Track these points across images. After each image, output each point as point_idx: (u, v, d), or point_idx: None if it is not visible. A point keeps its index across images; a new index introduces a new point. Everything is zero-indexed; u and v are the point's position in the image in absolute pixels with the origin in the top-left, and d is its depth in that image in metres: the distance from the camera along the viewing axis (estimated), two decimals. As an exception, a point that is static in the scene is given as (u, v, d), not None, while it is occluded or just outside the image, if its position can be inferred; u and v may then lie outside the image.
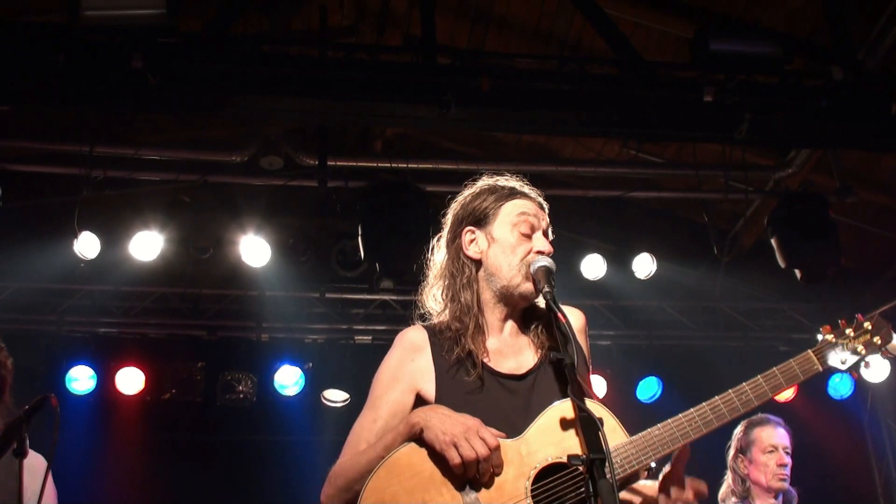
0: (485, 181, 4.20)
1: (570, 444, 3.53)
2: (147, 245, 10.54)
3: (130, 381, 12.11)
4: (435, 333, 3.97)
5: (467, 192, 4.20)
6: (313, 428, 12.07)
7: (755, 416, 7.05)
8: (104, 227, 10.34)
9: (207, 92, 7.59)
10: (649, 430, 3.66)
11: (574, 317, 3.98)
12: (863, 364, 3.99)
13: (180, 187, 10.66)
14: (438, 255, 4.20)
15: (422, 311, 4.17)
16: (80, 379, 11.95)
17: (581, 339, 4.00)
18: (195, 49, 7.48)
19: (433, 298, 4.15)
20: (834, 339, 3.97)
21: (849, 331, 3.99)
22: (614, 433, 3.59)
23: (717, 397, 3.76)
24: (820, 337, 4.03)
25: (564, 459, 3.47)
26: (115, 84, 7.33)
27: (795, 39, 8.75)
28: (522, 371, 3.87)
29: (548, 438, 3.59)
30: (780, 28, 9.07)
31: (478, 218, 4.05)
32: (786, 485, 6.82)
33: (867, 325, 4.02)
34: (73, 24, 6.93)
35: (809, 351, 3.92)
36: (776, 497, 6.85)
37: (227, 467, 12.30)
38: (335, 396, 12.65)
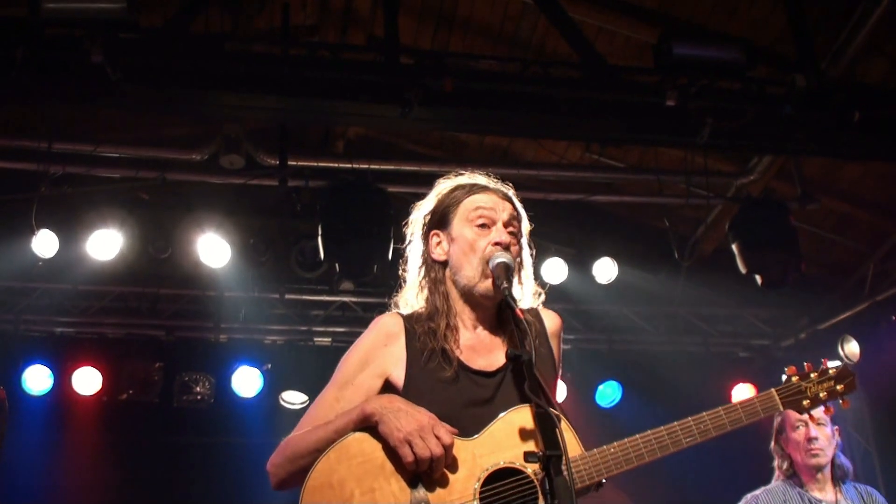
0: (446, 182, 4.21)
1: (525, 449, 3.49)
2: (105, 244, 10.41)
3: (87, 381, 12.02)
4: (411, 321, 3.97)
5: (430, 196, 4.23)
6: (271, 430, 11.90)
7: None
8: (62, 224, 10.19)
9: (168, 88, 7.52)
10: (605, 447, 3.66)
11: (549, 319, 4.07)
12: (822, 408, 4.12)
13: (139, 185, 10.56)
14: (410, 261, 4.21)
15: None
16: (37, 379, 11.84)
17: (553, 342, 4.06)
18: (156, 45, 7.43)
19: (404, 302, 4.15)
20: (798, 381, 4.09)
21: (813, 375, 4.11)
22: (569, 445, 3.54)
23: (676, 423, 3.77)
24: (784, 378, 4.12)
25: (517, 465, 3.50)
26: (75, 79, 7.26)
27: (759, 47, 8.76)
28: (493, 369, 3.86)
29: (502, 442, 3.58)
30: (743, 35, 9.08)
31: (440, 220, 4.08)
32: (820, 460, 6.12)
33: (832, 371, 4.13)
34: (33, 17, 6.85)
35: (773, 390, 4.01)
36: (819, 472, 6.16)
37: (185, 469, 12.21)
38: (293, 398, 12.59)
